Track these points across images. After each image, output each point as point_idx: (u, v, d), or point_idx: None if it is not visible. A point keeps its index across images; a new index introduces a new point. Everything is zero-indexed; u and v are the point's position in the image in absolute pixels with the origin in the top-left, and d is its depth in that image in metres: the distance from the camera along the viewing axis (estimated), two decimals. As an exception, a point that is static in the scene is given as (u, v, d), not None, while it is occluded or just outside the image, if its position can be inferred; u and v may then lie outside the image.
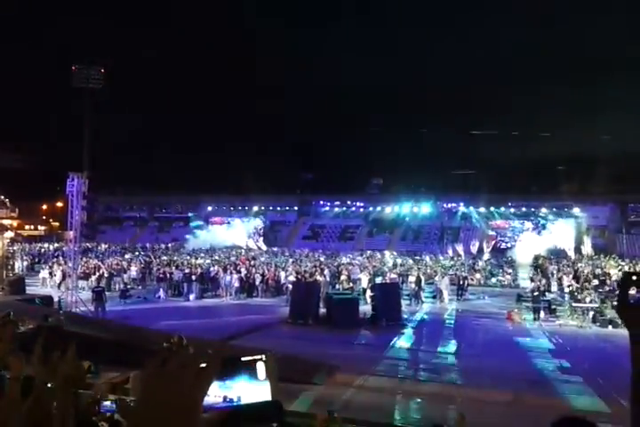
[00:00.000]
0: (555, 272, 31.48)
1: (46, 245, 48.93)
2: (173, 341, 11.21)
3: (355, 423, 7.72)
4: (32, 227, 67.36)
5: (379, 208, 60.75)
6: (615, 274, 27.96)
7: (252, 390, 1.53)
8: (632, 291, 1.48)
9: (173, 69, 66.67)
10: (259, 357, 1.50)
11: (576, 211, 50.47)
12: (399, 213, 59.34)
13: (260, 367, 1.56)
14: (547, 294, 23.80)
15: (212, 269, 29.27)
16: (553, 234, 42.66)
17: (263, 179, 53.80)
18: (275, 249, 51.57)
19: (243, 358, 1.50)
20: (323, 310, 20.81)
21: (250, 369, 1.56)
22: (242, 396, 1.54)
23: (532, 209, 54.35)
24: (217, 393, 1.46)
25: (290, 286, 23.89)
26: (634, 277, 1.44)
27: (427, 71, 64.29)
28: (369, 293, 23.02)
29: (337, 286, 26.75)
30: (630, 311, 1.43)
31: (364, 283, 25.49)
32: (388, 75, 65.09)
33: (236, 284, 26.34)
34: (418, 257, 41.55)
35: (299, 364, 12.97)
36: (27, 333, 12.99)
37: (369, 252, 46.23)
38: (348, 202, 63.27)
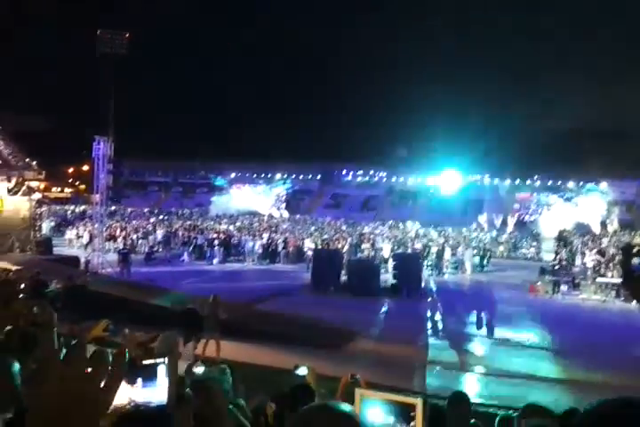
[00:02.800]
0: (579, 247, 31.11)
1: (72, 207, 49.66)
2: (208, 299, 11.39)
3: (376, 388, 7.78)
4: (59, 189, 68.33)
5: (402, 179, 60.34)
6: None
7: (154, 393, 1.54)
8: (635, 260, 1.38)
9: (197, 33, 66.00)
10: (160, 361, 1.51)
11: (603, 186, 49.53)
12: (423, 183, 58.90)
13: (161, 370, 1.57)
14: (570, 268, 23.58)
15: (235, 234, 29.51)
16: (579, 208, 41.95)
17: (287, 147, 53.62)
18: (297, 217, 51.71)
19: (144, 362, 1.49)
20: (344, 278, 20.90)
21: (150, 372, 1.56)
22: (152, 397, 1.54)
23: (559, 183, 53.52)
24: (125, 395, 1.46)
25: (311, 254, 23.99)
26: (636, 249, 1.35)
27: (453, 38, 62.80)
28: (391, 262, 23.04)
29: (358, 255, 26.82)
30: (636, 283, 1.34)
31: (386, 252, 25.49)
32: (412, 42, 63.63)
33: (259, 249, 26.55)
34: (441, 228, 41.32)
35: (321, 329, 13.13)
36: (54, 292, 13.31)
37: (391, 222, 46.10)
38: (371, 171, 62.87)
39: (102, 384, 0.91)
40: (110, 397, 0.92)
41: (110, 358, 0.98)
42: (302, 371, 4.99)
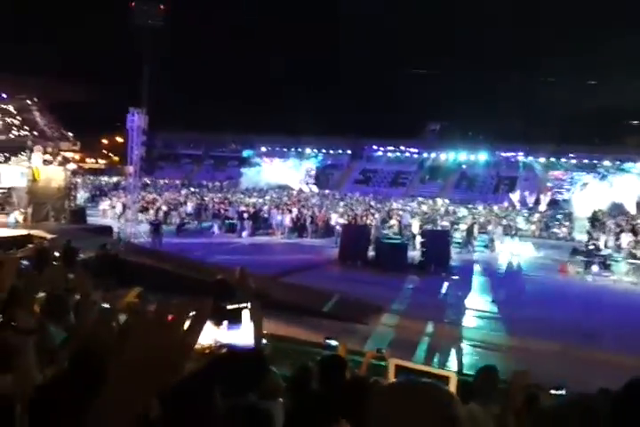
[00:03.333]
0: (613, 227, 30.53)
1: (106, 178, 50.55)
2: (236, 272, 11.55)
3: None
4: (93, 160, 69.44)
5: (433, 154, 59.65)
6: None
7: (239, 336, 1.57)
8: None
9: (232, 5, 65.46)
10: (244, 305, 1.54)
11: (639, 165, 48.27)
12: (455, 160, 58.17)
13: (245, 315, 1.60)
14: (603, 249, 23.20)
15: (264, 208, 29.72)
16: (614, 188, 40.99)
17: (317, 121, 53.28)
18: (326, 192, 51.77)
19: (228, 307, 1.52)
20: (371, 253, 20.94)
21: (235, 317, 1.60)
22: (222, 339, 1.57)
23: (594, 161, 52.31)
24: (213, 337, 1.49)
25: (340, 229, 24.06)
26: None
27: (487, 12, 61.06)
28: (419, 239, 22.97)
29: (387, 231, 26.79)
30: None
31: (415, 229, 25.39)
32: (448, 16, 62.10)
33: (288, 223, 26.73)
34: (471, 206, 40.95)
35: (347, 303, 13.26)
36: (87, 260, 13.65)
37: (420, 198, 45.86)
38: (402, 147, 62.26)
39: (186, 327, 0.96)
40: (193, 339, 0.96)
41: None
42: (334, 343, 5.09)
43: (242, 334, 1.54)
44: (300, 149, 62.91)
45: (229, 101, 59.79)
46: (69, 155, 25.58)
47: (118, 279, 12.33)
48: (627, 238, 24.58)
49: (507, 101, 52.85)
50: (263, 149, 63.43)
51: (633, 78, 48.96)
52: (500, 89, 56.19)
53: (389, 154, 62.69)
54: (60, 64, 48.72)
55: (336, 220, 27.31)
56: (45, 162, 22.14)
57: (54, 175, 22.46)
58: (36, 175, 21.57)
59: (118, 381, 0.93)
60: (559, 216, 37.36)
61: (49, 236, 16.17)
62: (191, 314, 0.97)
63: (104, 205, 30.26)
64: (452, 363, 10.45)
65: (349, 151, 63.76)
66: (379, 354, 6.14)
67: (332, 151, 63.92)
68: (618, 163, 49.94)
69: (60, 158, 23.17)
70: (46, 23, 53.05)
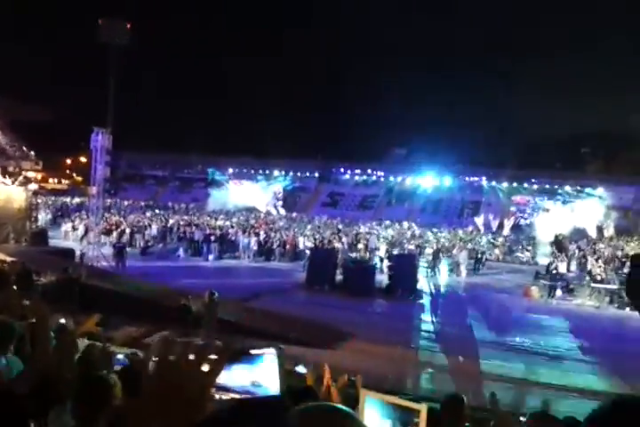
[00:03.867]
0: (575, 252, 31.17)
1: (69, 199, 49.53)
2: (205, 297, 11.34)
3: (370, 390, 7.74)
4: (56, 180, 68.09)
5: (400, 178, 60.28)
6: (637, 256, 27.61)
7: (269, 377, 1.52)
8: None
9: (199, 26, 65.82)
10: (269, 350, 1.48)
11: (600, 191, 49.61)
12: (420, 184, 58.90)
13: (269, 358, 1.54)
14: (565, 273, 23.59)
15: (230, 230, 29.47)
16: (575, 213, 42.00)
17: (285, 143, 53.49)
18: (293, 215, 51.70)
19: (252, 351, 1.47)
20: (339, 277, 20.87)
21: (257, 361, 1.55)
22: (264, 382, 1.53)
23: (556, 186, 53.57)
24: (245, 377, 1.45)
25: (307, 252, 23.96)
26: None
27: (453, 39, 62.78)
28: (386, 262, 23.02)
29: (354, 255, 26.80)
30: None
31: (382, 252, 25.48)
32: (415, 41, 63.58)
33: (255, 247, 26.51)
34: (436, 229, 41.36)
35: (314, 328, 13.10)
36: (47, 284, 13.25)
37: (387, 222, 46.12)
38: (369, 170, 62.82)
39: (206, 368, 0.97)
40: (212, 380, 0.98)
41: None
42: (301, 369, 4.97)
43: (263, 379, 1.47)
44: (267, 172, 62.88)
45: (196, 122, 59.64)
46: (31, 174, 25.04)
47: (80, 304, 11.99)
48: (590, 263, 25.08)
49: (470, 127, 54.05)
50: (230, 170, 63.17)
51: (593, 105, 50.68)
52: (464, 115, 57.51)
53: (357, 177, 63.13)
54: (23, 82, 47.96)
55: (304, 243, 27.22)
56: (5, 183, 21.60)
57: (15, 196, 21.93)
58: (-4, 196, 21.02)
59: (139, 421, 0.94)
60: (522, 240, 37.98)
61: (9, 258, 15.66)
62: (212, 356, 0.99)
63: (66, 226, 29.59)
64: (421, 389, 10.37)
65: (317, 174, 64.00)
66: (349, 382, 6.03)
67: (299, 174, 64.05)
68: (579, 188, 51.25)
69: (21, 178, 22.65)
70: (9, 41, 52.32)
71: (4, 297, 10.22)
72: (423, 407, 3.49)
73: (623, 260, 26.66)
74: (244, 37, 66.01)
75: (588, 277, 22.27)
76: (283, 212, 54.33)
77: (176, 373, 0.95)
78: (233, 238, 28.14)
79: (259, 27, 66.06)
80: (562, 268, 23.46)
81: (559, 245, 32.69)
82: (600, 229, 41.95)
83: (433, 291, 21.46)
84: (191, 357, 0.97)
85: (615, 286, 20.16)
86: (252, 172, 62.97)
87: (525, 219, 50.65)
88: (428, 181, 58.12)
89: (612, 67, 51.89)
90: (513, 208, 52.94)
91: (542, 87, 58.10)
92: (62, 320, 9.04)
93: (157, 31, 56.85)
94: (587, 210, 41.86)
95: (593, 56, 54.42)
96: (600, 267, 23.02)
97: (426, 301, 19.25)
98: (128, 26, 38.93)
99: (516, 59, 59.88)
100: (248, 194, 53.16)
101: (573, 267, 26.55)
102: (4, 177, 21.67)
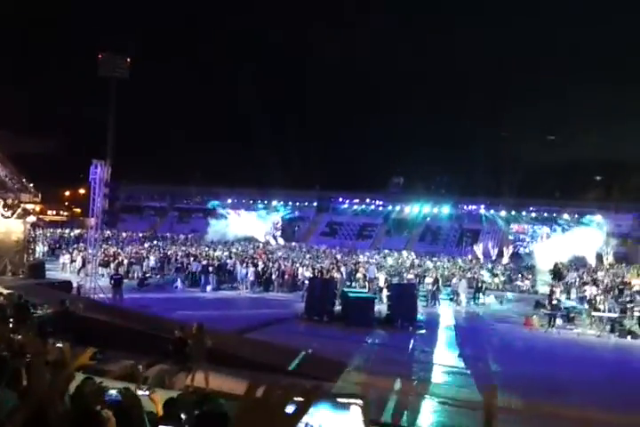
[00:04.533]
0: (574, 280, 31.06)
1: (67, 230, 49.49)
2: (192, 329, 11.26)
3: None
4: (54, 212, 68.15)
5: (398, 207, 60.49)
6: (637, 284, 27.51)
7: (334, 419, 1.50)
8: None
9: (197, 59, 66.85)
10: (354, 401, 1.47)
11: (598, 218, 49.73)
12: (419, 213, 59.05)
13: (355, 411, 1.53)
14: (565, 301, 23.48)
15: (229, 261, 29.39)
16: (574, 241, 42.00)
17: (283, 174, 53.77)
18: (292, 244, 51.64)
19: (339, 400, 1.48)
20: (338, 308, 20.72)
21: (344, 412, 1.54)
22: (322, 424, 1.52)
23: (554, 215, 53.74)
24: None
25: (306, 282, 23.85)
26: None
27: (453, 69, 63.75)
28: (385, 292, 22.91)
29: (353, 284, 26.69)
30: None
31: (381, 282, 25.37)
32: (413, 73, 64.57)
33: (252, 277, 26.40)
34: (436, 258, 41.29)
35: (312, 360, 12.95)
36: (44, 316, 13.15)
37: (386, 251, 46.07)
38: (368, 200, 63.06)
39: (290, 409, 0.97)
40: (295, 423, 0.98)
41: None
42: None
43: (325, 420, 1.46)
44: (266, 201, 63.11)
45: (195, 153, 60.06)
46: (30, 206, 25.06)
47: (76, 337, 11.88)
48: (589, 291, 24.97)
49: (468, 156, 54.43)
50: (229, 200, 63.38)
51: (591, 134, 51.17)
52: (463, 144, 57.98)
53: (355, 206, 63.33)
54: (23, 116, 48.48)
55: (302, 273, 27.13)
56: (3, 216, 21.63)
57: (13, 228, 21.93)
58: (-6, 228, 21.02)
59: None
60: (522, 269, 37.88)
61: (5, 291, 15.57)
62: (298, 398, 0.99)
63: (64, 258, 29.51)
64: (421, 420, 10.22)
65: (315, 204, 64.21)
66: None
67: (298, 203, 64.26)
68: (577, 216, 51.39)
69: (19, 210, 22.68)
70: (8, 75, 53.07)
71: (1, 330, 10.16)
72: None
73: (622, 288, 26.60)
74: (241, 69, 66.96)
75: (588, 306, 22.15)
76: (281, 241, 54.27)
77: (261, 414, 0.96)
78: (231, 269, 28.05)
79: (255, 59, 67.06)
80: (562, 297, 23.36)
81: (558, 273, 32.63)
82: (599, 257, 41.87)
83: (433, 321, 21.27)
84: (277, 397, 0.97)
85: (616, 315, 20.03)
86: (251, 202, 63.22)
87: (525, 247, 50.65)
88: (426, 209, 58.27)
89: (611, 94, 52.56)
90: (512, 237, 52.99)
91: (541, 116, 58.81)
92: (59, 345, 8.96)
93: (156, 65, 57.84)
94: (585, 238, 41.84)
95: (592, 83, 55.22)
96: (600, 295, 22.92)
97: (426, 331, 19.06)
98: (128, 60, 39.52)
99: (513, 86, 60.72)
100: (247, 224, 53.20)
101: (573, 295, 26.41)
102: (4, 209, 21.71)
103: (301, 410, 0.97)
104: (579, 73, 57.46)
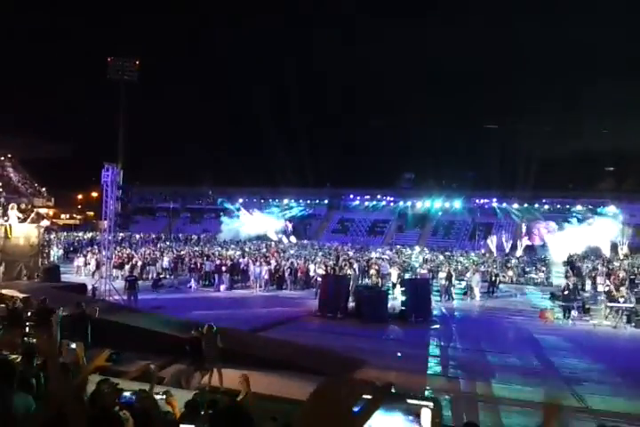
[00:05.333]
0: (589, 271, 30.85)
1: (81, 234, 49.90)
2: (202, 329, 11.33)
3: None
4: (67, 216, 68.76)
5: (409, 203, 60.36)
6: (652, 274, 27.28)
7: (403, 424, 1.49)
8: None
9: (207, 60, 67.04)
10: (425, 403, 1.45)
11: (612, 209, 49.34)
12: (430, 208, 58.87)
13: (425, 414, 1.51)
14: (581, 293, 23.31)
15: (242, 260, 29.48)
16: (588, 232, 41.70)
17: (294, 172, 53.87)
18: (304, 242, 51.70)
19: (409, 401, 1.46)
20: (351, 304, 20.72)
21: (413, 413, 1.53)
22: None
23: (568, 206, 53.39)
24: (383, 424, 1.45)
25: (319, 279, 23.87)
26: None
27: (462, 63, 63.43)
28: (399, 288, 22.86)
29: (366, 281, 26.68)
30: None
31: (394, 278, 25.33)
32: (423, 69, 64.38)
33: (266, 276, 26.46)
34: (448, 253, 41.15)
35: (327, 357, 12.98)
36: (60, 320, 13.25)
37: (398, 247, 45.99)
38: (379, 196, 62.98)
39: (358, 411, 0.94)
40: (362, 423, 0.94)
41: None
42: None
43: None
44: (277, 200, 63.21)
45: (205, 154, 60.34)
46: (43, 211, 25.29)
47: (92, 339, 11.99)
48: (602, 281, 24.79)
49: (480, 149, 54.19)
50: (240, 200, 63.59)
51: (604, 125, 50.75)
52: (473, 137, 57.71)
53: (366, 203, 63.27)
54: (34, 121, 48.91)
55: (315, 271, 27.15)
56: (19, 219, 21.82)
57: (27, 233, 22.10)
58: (9, 233, 21.20)
59: None
60: (536, 261, 37.66)
61: (21, 295, 15.73)
62: (366, 396, 0.95)
63: (78, 261, 29.74)
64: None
65: (327, 201, 64.22)
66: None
67: (309, 201, 64.33)
68: (591, 207, 51.02)
69: (33, 215, 22.87)
70: (20, 81, 53.48)
71: (15, 334, 10.28)
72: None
73: (638, 277, 26.35)
74: (251, 71, 67.12)
75: (603, 297, 21.99)
76: (293, 239, 54.34)
77: (327, 413, 0.92)
78: (244, 268, 28.13)
79: (262, 58, 67.17)
80: (577, 288, 23.18)
81: (572, 265, 32.41)
82: (614, 248, 41.52)
83: (447, 315, 21.22)
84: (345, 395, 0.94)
85: (631, 305, 19.86)
86: (262, 201, 63.36)
87: (539, 239, 50.30)
88: (438, 204, 58.08)
89: (623, 85, 52.08)
90: (525, 229, 52.66)
91: (552, 107, 58.37)
92: (73, 346, 9.04)
93: (164, 66, 58.06)
94: (600, 229, 41.52)
95: (604, 74, 54.73)
96: (615, 286, 22.74)
97: (440, 326, 19.01)
98: (137, 63, 39.69)
99: (525, 79, 60.32)
100: (259, 223, 53.32)
101: (588, 287, 26.23)
102: (17, 215, 21.88)
103: (369, 409, 0.94)
104: (590, 65, 57.01)
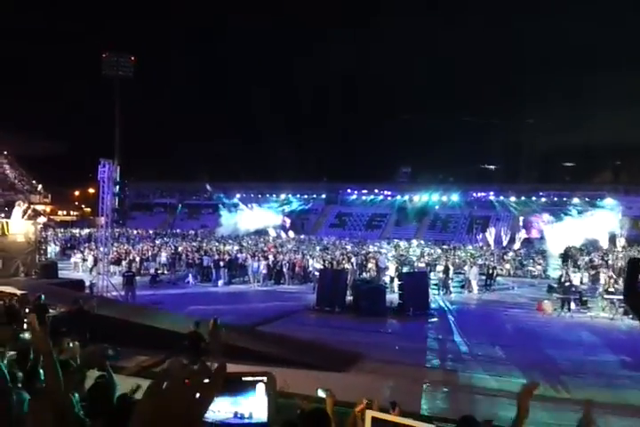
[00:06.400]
0: (586, 263, 30.91)
1: (78, 230, 49.79)
2: (208, 324, 11.34)
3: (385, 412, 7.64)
4: (64, 212, 68.60)
5: (406, 197, 60.36)
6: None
7: (258, 406, 1.54)
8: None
9: (202, 56, 66.81)
10: (260, 378, 1.50)
11: (609, 201, 49.39)
12: (427, 201, 58.89)
13: (260, 388, 1.57)
14: (578, 285, 23.37)
15: (239, 255, 29.48)
16: (585, 224, 41.72)
17: (291, 167, 53.81)
18: (302, 237, 51.69)
19: (244, 378, 1.50)
20: (349, 298, 20.76)
21: (251, 389, 1.57)
22: (253, 412, 1.55)
23: (564, 199, 53.44)
24: (228, 409, 1.48)
25: (317, 274, 23.89)
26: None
27: (459, 59, 63.32)
28: (396, 281, 22.90)
29: (364, 275, 26.72)
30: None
31: (392, 272, 25.37)
32: (421, 63, 64.24)
33: (264, 270, 26.47)
34: (446, 246, 41.20)
35: (326, 351, 13.00)
36: (58, 316, 13.26)
37: (396, 240, 46.01)
38: (376, 190, 62.97)
39: (197, 396, 0.91)
40: (203, 409, 0.92)
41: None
42: (321, 393, 4.92)
43: (254, 407, 1.49)
44: (274, 195, 63.16)
45: (202, 149, 60.20)
46: (40, 207, 25.22)
47: (90, 335, 11.98)
48: (602, 274, 24.84)
49: (477, 143, 54.17)
50: (238, 195, 63.50)
51: (601, 119, 50.72)
52: (470, 131, 57.68)
53: (364, 197, 63.26)
54: (30, 118, 48.72)
55: (313, 265, 27.17)
56: (15, 216, 21.77)
57: (24, 229, 22.05)
58: (6, 230, 21.16)
59: None
60: (533, 254, 37.71)
61: (19, 292, 15.70)
62: (205, 381, 0.93)
63: (75, 258, 29.71)
64: (435, 409, 10.22)
65: (324, 195, 64.19)
66: (367, 404, 5.92)
67: (307, 196, 64.29)
68: (588, 200, 51.07)
69: (30, 212, 22.82)
70: (15, 77, 53.24)
71: (13, 332, 10.26)
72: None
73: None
74: (247, 67, 66.91)
75: (600, 289, 22.05)
76: (291, 234, 54.33)
77: (166, 399, 0.90)
78: (242, 263, 28.13)
79: (261, 54, 66.95)
80: (574, 280, 23.24)
81: (570, 257, 32.48)
82: (612, 240, 41.58)
83: (445, 309, 21.26)
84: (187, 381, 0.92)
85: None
86: (260, 196, 63.28)
87: (536, 232, 50.33)
88: (435, 198, 58.11)
89: (623, 79, 52.01)
90: (522, 222, 52.69)
91: (549, 100, 58.37)
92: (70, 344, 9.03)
93: (159, 61, 57.87)
94: (597, 221, 41.55)
95: (604, 67, 54.69)
96: (612, 278, 22.80)
97: (438, 319, 19.06)
98: (132, 58, 39.47)
99: (525, 72, 60.27)
100: (256, 218, 53.23)
101: (586, 279, 26.30)
102: (14, 212, 21.83)
103: (208, 393, 0.91)
104: (590, 57, 56.95)
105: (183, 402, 0.89)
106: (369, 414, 3.41)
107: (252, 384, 1.62)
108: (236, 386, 1.56)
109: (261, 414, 1.56)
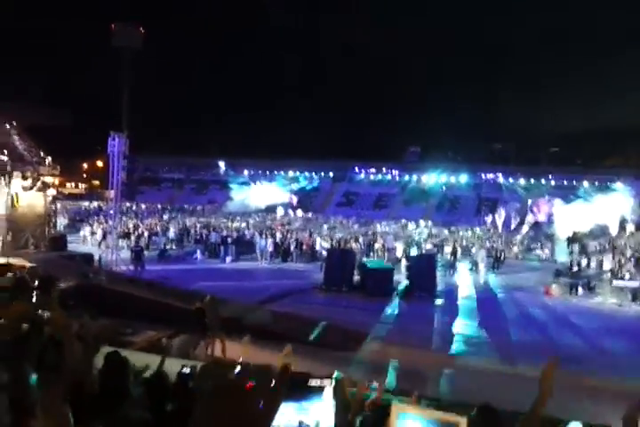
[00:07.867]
0: (595, 248, 30.76)
1: (87, 203, 49.94)
2: (205, 301, 11.35)
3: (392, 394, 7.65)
4: (73, 185, 68.74)
5: (415, 177, 60.05)
6: (658, 252, 27.18)
7: (327, 415, 1.47)
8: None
9: (212, 28, 65.98)
10: (327, 382, 1.44)
11: (619, 185, 48.90)
12: (436, 182, 58.58)
13: (327, 393, 1.49)
14: (586, 270, 23.28)
15: (247, 232, 29.50)
16: (594, 209, 41.34)
17: (300, 144, 53.51)
18: (309, 215, 51.65)
19: (310, 384, 1.43)
20: (356, 278, 20.77)
21: (317, 394, 1.50)
22: (320, 421, 1.48)
23: (574, 182, 53.00)
24: (293, 417, 1.41)
25: (324, 253, 23.89)
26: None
27: (466, 39, 62.35)
28: (404, 262, 22.87)
29: (371, 255, 26.71)
30: None
31: (399, 252, 25.34)
32: (430, 43, 63.24)
33: (271, 248, 26.49)
34: (453, 228, 41.08)
35: (332, 330, 13.03)
36: (67, 289, 13.31)
37: (403, 221, 45.91)
38: (384, 169, 62.64)
39: (262, 403, 0.90)
40: (270, 417, 0.90)
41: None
42: (336, 375, 4.89)
43: (320, 415, 1.44)
44: (283, 172, 62.97)
45: (212, 124, 59.91)
46: (49, 179, 25.15)
47: (99, 309, 12.03)
48: (608, 258, 24.73)
49: (488, 125, 53.63)
50: (246, 172, 63.37)
51: (612, 102, 50.01)
52: (481, 113, 57.05)
53: (372, 176, 62.99)
54: (39, 88, 48.47)
55: (320, 244, 27.16)
56: (24, 188, 21.74)
57: (34, 202, 22.05)
58: (16, 202, 21.17)
59: None
60: (541, 238, 37.55)
61: (28, 264, 15.77)
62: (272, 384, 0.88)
63: (84, 231, 29.80)
64: (443, 391, 10.24)
65: (332, 174, 63.96)
66: (369, 386, 5.92)
67: (314, 174, 64.08)
68: (598, 183, 50.62)
69: (39, 184, 22.77)
70: (25, 48, 52.84)
71: (26, 306, 10.29)
72: (463, 420, 3.39)
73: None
74: (257, 41, 66.10)
75: (609, 275, 21.97)
76: (299, 212, 54.30)
77: (233, 401, 0.85)
78: (250, 240, 28.15)
79: (270, 29, 66.03)
80: (582, 265, 23.16)
81: (579, 241, 32.31)
82: (622, 225, 41.24)
83: (452, 291, 21.25)
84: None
85: (637, 283, 19.84)
86: (268, 173, 63.10)
87: (544, 216, 50.01)
88: (444, 178, 57.80)
89: (630, 62, 51.12)
90: (531, 205, 52.31)
91: (559, 84, 57.56)
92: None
93: (170, 33, 57.20)
94: (606, 206, 41.15)
95: (615, 50, 53.72)
96: (621, 263, 22.70)
97: (445, 301, 19.06)
98: (142, 30, 38.95)
99: (536, 55, 59.35)
100: (264, 195, 53.14)
101: (594, 264, 26.17)
102: (23, 183, 21.78)
103: (274, 399, 0.88)
104: (610, 38, 55.94)
105: (247, 416, 0.84)
106: (395, 407, 3.34)
107: (319, 389, 1.57)
108: (301, 391, 1.50)
109: (328, 423, 1.49)
